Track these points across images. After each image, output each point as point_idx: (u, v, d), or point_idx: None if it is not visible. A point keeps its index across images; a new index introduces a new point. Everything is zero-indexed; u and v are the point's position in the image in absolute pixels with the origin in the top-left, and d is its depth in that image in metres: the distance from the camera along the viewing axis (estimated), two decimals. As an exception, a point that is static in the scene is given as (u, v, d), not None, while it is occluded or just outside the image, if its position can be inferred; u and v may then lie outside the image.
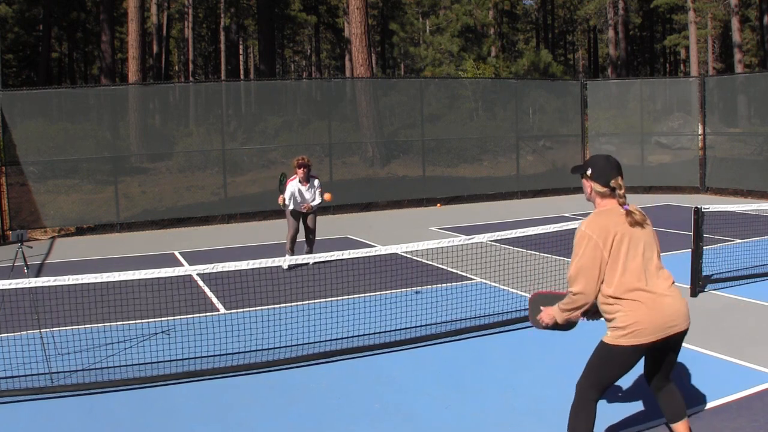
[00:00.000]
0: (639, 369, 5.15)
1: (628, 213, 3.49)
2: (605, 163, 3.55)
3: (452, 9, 30.14)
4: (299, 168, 9.14)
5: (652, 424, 4.26)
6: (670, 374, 3.68)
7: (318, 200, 9.43)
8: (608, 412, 4.43)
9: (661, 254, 3.65)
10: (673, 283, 3.54)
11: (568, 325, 3.78)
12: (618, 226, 3.45)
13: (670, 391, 3.70)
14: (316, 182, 9.43)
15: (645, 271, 3.45)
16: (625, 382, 4.90)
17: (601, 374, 3.51)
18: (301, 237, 9.69)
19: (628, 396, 4.74)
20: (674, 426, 3.70)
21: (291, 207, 9.36)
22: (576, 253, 3.45)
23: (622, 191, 3.52)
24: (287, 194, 9.27)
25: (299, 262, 8.73)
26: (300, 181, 9.22)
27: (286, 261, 8.61)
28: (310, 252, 9.49)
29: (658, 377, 3.67)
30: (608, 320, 3.52)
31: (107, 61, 24.71)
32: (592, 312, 3.68)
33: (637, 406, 4.55)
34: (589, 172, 3.56)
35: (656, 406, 4.52)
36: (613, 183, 3.50)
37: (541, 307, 3.80)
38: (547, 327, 3.75)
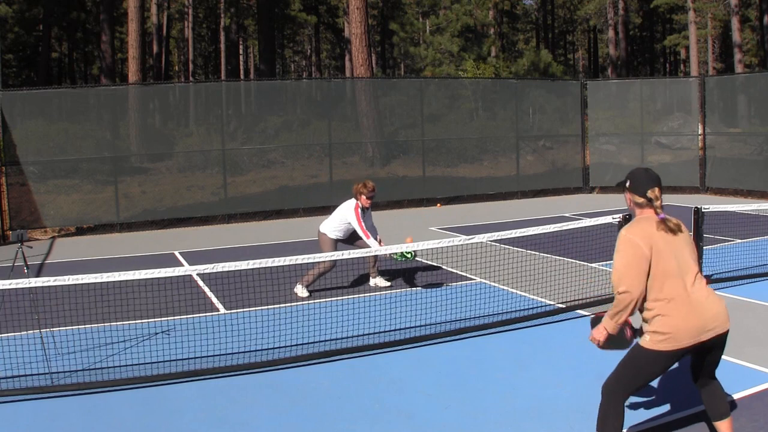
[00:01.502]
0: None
1: (663, 221, 3.62)
2: (643, 175, 3.73)
3: (452, 9, 30.12)
4: (368, 199, 7.74)
5: (656, 422, 4.26)
6: (714, 373, 3.74)
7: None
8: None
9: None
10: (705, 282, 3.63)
11: (621, 342, 3.72)
12: (657, 232, 3.57)
13: (713, 389, 3.75)
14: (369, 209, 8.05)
15: (684, 275, 3.53)
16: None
17: (634, 378, 3.55)
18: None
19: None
20: (718, 424, 3.75)
21: (341, 236, 7.93)
22: (618, 255, 3.54)
23: (659, 202, 3.67)
24: (356, 224, 7.69)
25: (381, 285, 8.19)
26: (363, 209, 7.80)
27: (302, 290, 7.93)
28: (377, 269, 8.31)
29: (703, 376, 3.73)
30: (645, 323, 3.56)
31: (107, 61, 24.71)
32: (642, 332, 3.68)
33: (647, 401, 4.56)
34: (628, 184, 3.75)
35: (661, 400, 4.53)
36: (650, 194, 3.65)
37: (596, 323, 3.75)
38: (600, 345, 3.69)
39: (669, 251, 3.52)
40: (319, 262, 7.66)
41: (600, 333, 3.63)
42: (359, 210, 7.70)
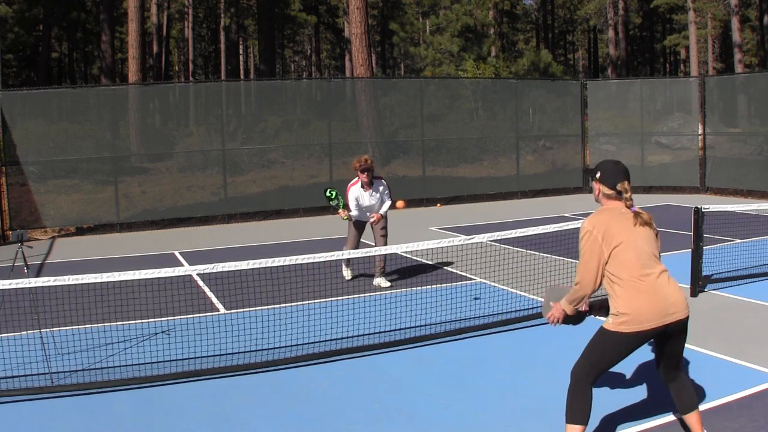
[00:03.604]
0: (638, 360, 5.16)
1: (636, 214, 3.70)
2: (613, 168, 3.80)
3: (452, 9, 30.12)
4: (362, 172, 7.89)
5: (654, 420, 4.26)
6: (679, 365, 3.79)
7: (387, 206, 8.15)
8: (608, 405, 4.43)
9: (662, 254, 3.78)
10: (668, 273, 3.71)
11: (577, 319, 3.91)
12: (620, 221, 3.65)
13: (680, 382, 3.80)
14: (382, 185, 8.13)
15: (646, 261, 3.61)
16: (627, 372, 4.91)
17: (599, 360, 3.66)
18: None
19: (629, 388, 4.74)
20: (686, 417, 3.80)
21: (355, 216, 8.17)
22: (580, 247, 3.66)
23: (629, 194, 3.74)
24: (351, 203, 8.00)
25: (382, 285, 8.24)
26: (362, 186, 8.00)
27: (347, 271, 8.47)
28: (382, 270, 8.28)
29: (667, 368, 3.79)
30: (610, 303, 3.66)
31: (107, 61, 24.70)
32: (598, 308, 3.86)
33: (637, 400, 4.55)
34: (598, 175, 3.81)
35: (657, 399, 4.53)
36: (619, 187, 3.73)
37: (551, 303, 3.96)
38: (558, 322, 3.88)
39: (633, 238, 3.61)
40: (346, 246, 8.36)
41: (559, 313, 3.83)
42: (353, 187, 8.06)
